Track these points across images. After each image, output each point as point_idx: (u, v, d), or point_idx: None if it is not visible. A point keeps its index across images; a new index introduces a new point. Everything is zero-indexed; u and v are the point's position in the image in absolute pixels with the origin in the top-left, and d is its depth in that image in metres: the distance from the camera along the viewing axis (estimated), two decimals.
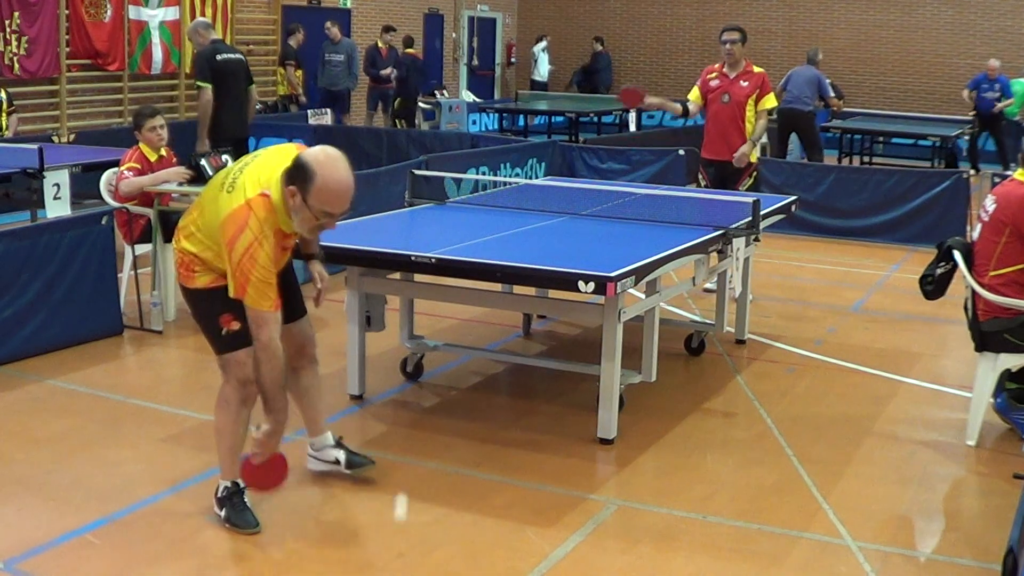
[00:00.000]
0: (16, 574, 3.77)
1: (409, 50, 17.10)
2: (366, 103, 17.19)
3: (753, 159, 7.94)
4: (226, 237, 3.85)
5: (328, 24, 16.23)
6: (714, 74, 8.04)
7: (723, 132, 7.94)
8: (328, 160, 3.84)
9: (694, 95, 8.12)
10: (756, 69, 7.99)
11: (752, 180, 7.98)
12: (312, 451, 4.65)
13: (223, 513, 4.17)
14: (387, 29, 17.08)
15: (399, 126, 16.35)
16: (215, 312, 4.06)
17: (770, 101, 7.94)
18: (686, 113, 8.10)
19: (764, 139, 13.35)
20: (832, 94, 15.65)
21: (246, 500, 4.18)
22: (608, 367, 5.02)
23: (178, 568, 3.88)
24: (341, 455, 4.59)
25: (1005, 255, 5.08)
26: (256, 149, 15.61)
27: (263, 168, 3.97)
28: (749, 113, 7.87)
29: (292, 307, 4.31)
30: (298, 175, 3.83)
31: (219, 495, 4.21)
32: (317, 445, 4.62)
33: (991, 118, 16.52)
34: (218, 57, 8.96)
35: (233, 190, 3.91)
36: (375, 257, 5.23)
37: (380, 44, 16.82)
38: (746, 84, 7.89)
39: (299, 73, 16.04)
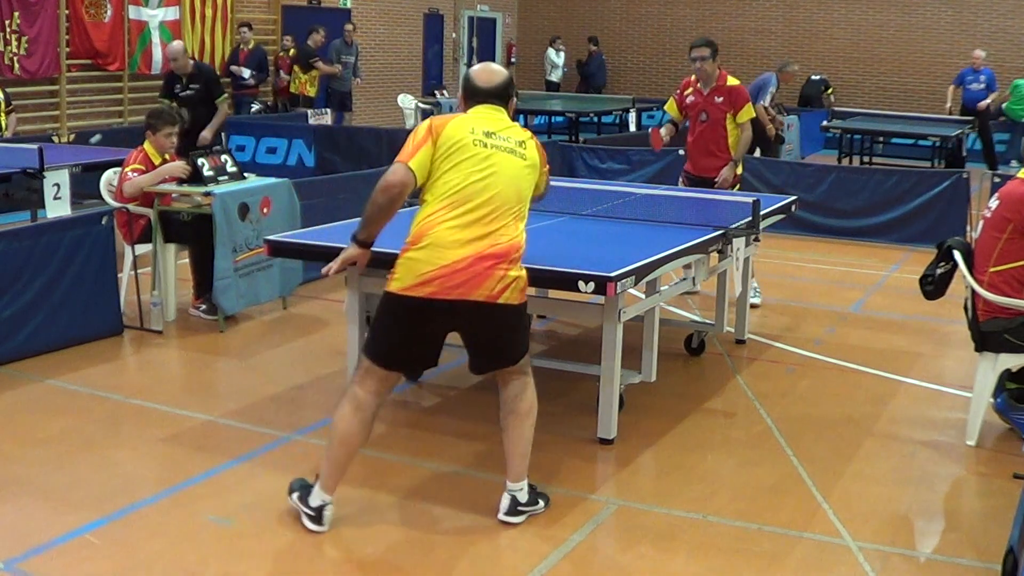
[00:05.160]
0: (16, 574, 3.77)
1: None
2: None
3: (739, 171, 7.72)
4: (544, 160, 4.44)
5: (350, 27, 16.26)
6: (690, 90, 7.70)
7: (706, 151, 7.67)
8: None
9: (672, 109, 7.85)
10: (730, 82, 7.61)
11: (737, 189, 7.72)
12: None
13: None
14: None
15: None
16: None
17: (747, 113, 7.57)
18: (677, 127, 7.78)
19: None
20: (765, 101, 12.26)
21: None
22: (608, 367, 5.02)
23: (177, 568, 3.88)
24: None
25: (1006, 252, 5.09)
26: (255, 148, 15.47)
27: (493, 120, 4.31)
28: (730, 128, 7.58)
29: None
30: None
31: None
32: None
33: (977, 113, 16.27)
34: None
35: (525, 146, 4.30)
36: (375, 257, 5.22)
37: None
38: (721, 100, 7.55)
39: (314, 73, 15.95)
